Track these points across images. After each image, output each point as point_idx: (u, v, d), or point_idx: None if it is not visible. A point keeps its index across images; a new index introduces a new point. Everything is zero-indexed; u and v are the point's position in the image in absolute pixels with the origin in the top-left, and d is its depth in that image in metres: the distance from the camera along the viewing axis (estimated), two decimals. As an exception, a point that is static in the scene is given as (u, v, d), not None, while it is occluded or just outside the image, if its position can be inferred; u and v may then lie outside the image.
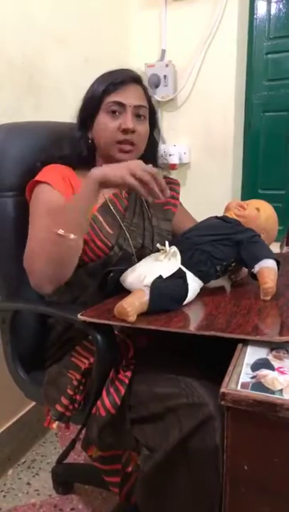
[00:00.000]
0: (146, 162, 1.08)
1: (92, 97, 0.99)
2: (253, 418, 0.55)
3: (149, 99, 1.03)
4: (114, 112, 0.97)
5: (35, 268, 0.86)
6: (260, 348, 0.66)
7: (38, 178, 0.96)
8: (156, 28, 1.80)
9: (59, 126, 1.14)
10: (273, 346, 0.67)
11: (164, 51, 1.81)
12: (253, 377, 0.59)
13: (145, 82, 1.05)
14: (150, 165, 0.86)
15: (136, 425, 0.78)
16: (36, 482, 1.30)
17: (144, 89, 1.02)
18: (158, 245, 0.88)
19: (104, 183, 0.84)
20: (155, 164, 1.12)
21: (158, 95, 1.80)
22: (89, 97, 1.01)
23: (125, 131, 0.97)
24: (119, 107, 0.97)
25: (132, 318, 0.73)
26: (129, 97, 0.97)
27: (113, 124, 0.97)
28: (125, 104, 0.96)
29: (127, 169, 0.81)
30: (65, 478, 1.27)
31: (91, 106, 0.99)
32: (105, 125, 0.97)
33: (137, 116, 0.99)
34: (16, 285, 1.02)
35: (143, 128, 1.01)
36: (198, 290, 0.85)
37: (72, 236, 0.82)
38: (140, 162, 0.85)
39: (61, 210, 0.87)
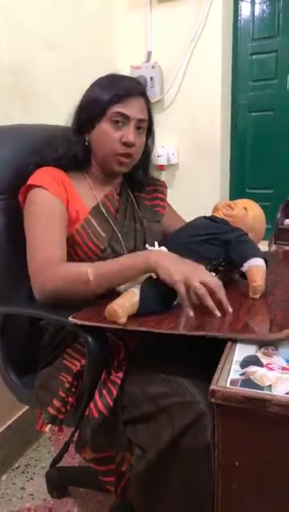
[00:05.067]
0: (138, 168, 1.08)
1: (94, 102, 0.97)
2: (242, 414, 0.56)
3: (149, 110, 1.03)
4: (117, 122, 0.96)
5: (43, 284, 0.87)
6: (250, 345, 0.67)
7: (32, 181, 0.95)
8: (141, 30, 1.81)
9: (50, 128, 1.13)
10: (262, 343, 0.68)
11: (150, 53, 1.82)
12: (242, 374, 0.60)
13: None
14: (214, 277, 0.80)
15: (129, 426, 0.78)
16: (31, 487, 1.30)
17: (147, 101, 1.02)
18: (147, 246, 0.88)
19: (152, 271, 0.82)
20: (147, 171, 1.12)
21: (145, 97, 1.81)
22: (91, 102, 0.99)
23: (126, 144, 0.97)
24: (123, 119, 0.96)
25: (123, 319, 0.73)
26: (134, 109, 0.97)
27: (115, 135, 0.96)
28: (129, 117, 0.96)
29: (183, 276, 0.76)
30: (59, 482, 1.27)
31: (93, 111, 0.98)
32: (107, 134, 0.97)
33: (138, 128, 0.99)
34: (6, 288, 1.02)
35: (141, 140, 1.01)
36: (188, 290, 0.85)
37: (99, 289, 0.84)
38: (202, 272, 0.78)
39: (104, 269, 0.86)
